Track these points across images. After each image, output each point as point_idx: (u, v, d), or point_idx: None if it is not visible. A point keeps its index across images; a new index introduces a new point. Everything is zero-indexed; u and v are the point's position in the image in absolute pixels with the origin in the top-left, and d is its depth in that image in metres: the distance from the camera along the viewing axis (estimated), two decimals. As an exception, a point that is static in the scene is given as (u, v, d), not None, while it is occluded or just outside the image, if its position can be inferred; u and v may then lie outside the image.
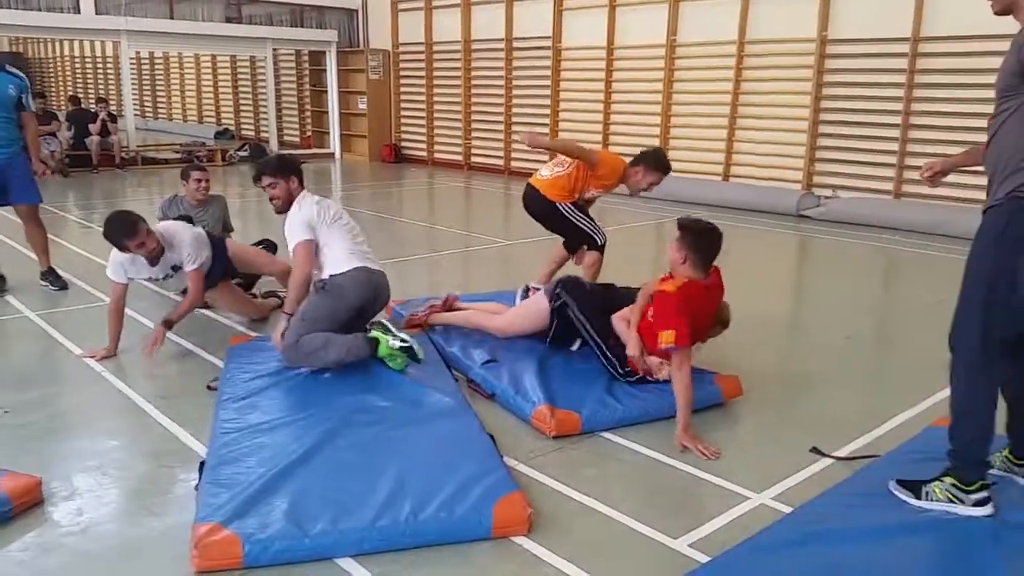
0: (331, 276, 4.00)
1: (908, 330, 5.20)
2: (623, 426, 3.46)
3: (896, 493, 2.76)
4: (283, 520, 2.48)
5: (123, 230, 4.18)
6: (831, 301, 5.85)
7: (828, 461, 3.20)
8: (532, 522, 2.63)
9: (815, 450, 3.28)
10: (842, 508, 2.72)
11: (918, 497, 2.71)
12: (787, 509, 2.79)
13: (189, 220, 5.54)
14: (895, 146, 9.02)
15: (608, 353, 3.84)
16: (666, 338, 3.36)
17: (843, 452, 3.28)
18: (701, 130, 10.81)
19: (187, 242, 4.39)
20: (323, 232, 4.01)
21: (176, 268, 4.40)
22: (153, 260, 4.30)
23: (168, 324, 4.28)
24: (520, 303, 4.55)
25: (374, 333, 3.89)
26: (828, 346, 4.74)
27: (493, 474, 2.80)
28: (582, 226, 5.09)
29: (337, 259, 4.02)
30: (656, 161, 4.93)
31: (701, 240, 3.62)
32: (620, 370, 3.79)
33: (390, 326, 3.94)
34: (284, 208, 4.10)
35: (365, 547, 2.46)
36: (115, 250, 4.23)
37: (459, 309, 4.64)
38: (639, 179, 4.91)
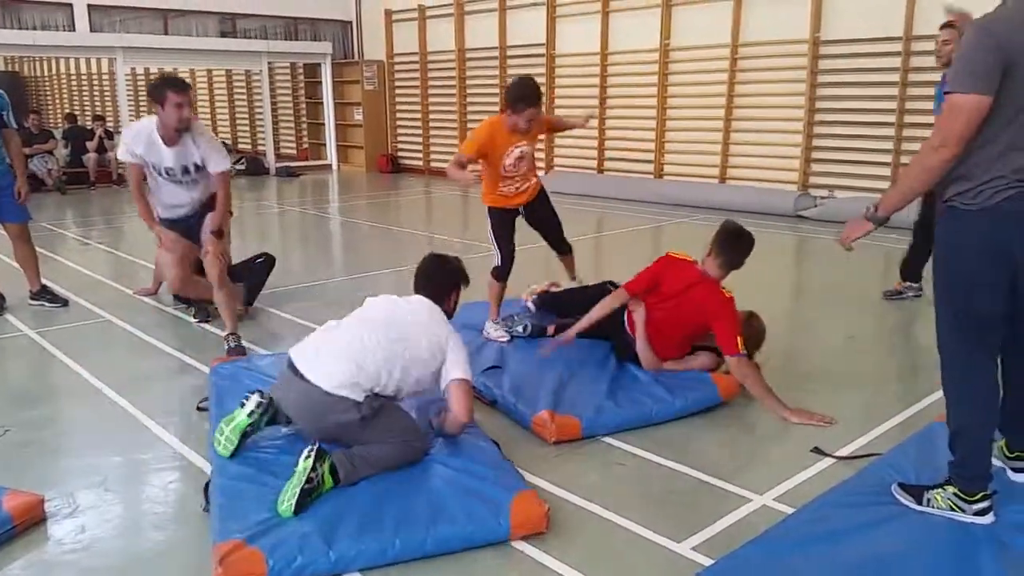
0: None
1: (908, 328, 5.21)
2: (624, 431, 3.46)
3: (899, 497, 2.75)
4: (304, 535, 2.48)
5: (174, 82, 4.36)
6: (831, 300, 5.86)
7: (830, 461, 3.21)
8: (550, 519, 2.65)
9: (816, 450, 3.28)
10: (845, 508, 2.71)
11: (919, 502, 2.70)
12: (790, 510, 2.79)
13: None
14: (890, 144, 9.05)
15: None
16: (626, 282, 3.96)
17: (845, 451, 3.28)
18: (696, 133, 10.84)
19: (218, 144, 4.37)
20: None
21: (188, 171, 4.33)
22: (172, 139, 4.23)
23: (219, 234, 4.63)
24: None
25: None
26: (829, 345, 4.75)
27: (504, 477, 2.82)
28: (491, 239, 4.69)
29: None
30: (514, 94, 4.36)
31: (728, 237, 3.89)
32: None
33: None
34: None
35: (388, 557, 2.47)
36: (126, 130, 4.24)
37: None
38: (515, 120, 4.34)
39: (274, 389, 3.13)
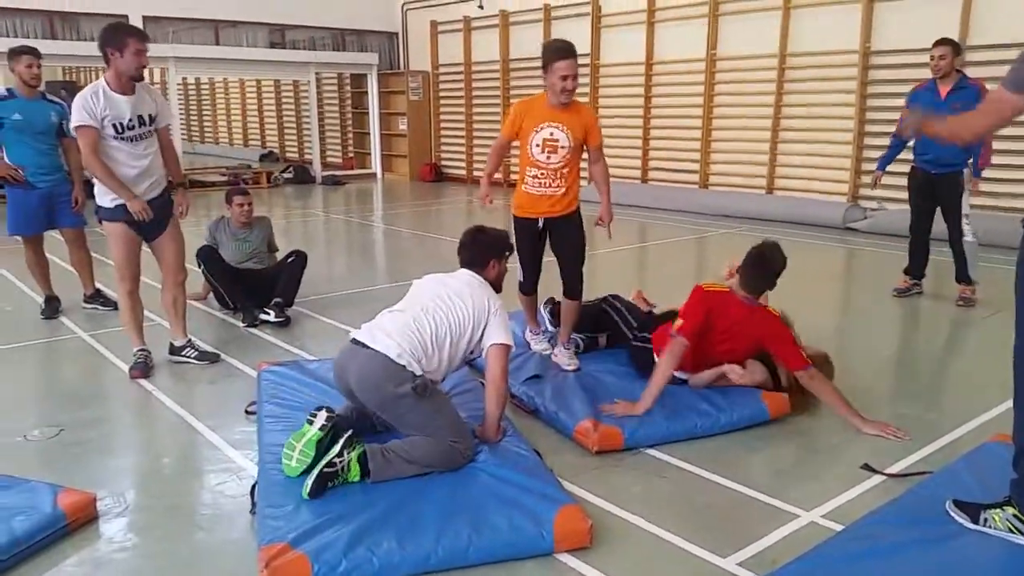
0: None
1: (962, 343, 5.08)
2: (667, 443, 3.42)
3: (953, 515, 2.68)
4: (349, 540, 2.49)
5: (133, 28, 4.35)
6: (881, 314, 5.74)
7: (880, 478, 3.13)
8: (594, 534, 2.62)
9: (866, 466, 3.20)
10: (896, 526, 2.65)
11: (975, 521, 2.62)
12: (838, 527, 2.73)
13: (238, 242, 5.69)
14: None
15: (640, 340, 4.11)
16: (676, 324, 3.68)
17: (895, 468, 3.20)
18: (743, 143, 10.73)
19: (164, 98, 4.35)
20: None
21: (144, 121, 4.21)
22: (127, 88, 4.13)
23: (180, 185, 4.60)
24: None
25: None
26: (880, 360, 4.64)
27: (548, 488, 2.81)
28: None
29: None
30: (549, 51, 4.10)
31: (753, 258, 3.77)
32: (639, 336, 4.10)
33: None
34: None
35: (431, 564, 2.47)
36: (77, 98, 4.09)
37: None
38: (552, 81, 4.04)
39: (336, 366, 3.18)
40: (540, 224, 4.21)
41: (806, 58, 9.95)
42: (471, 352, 3.28)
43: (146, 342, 4.49)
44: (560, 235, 4.24)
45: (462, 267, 3.41)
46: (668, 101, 11.58)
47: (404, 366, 2.97)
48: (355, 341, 3.11)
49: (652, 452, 3.36)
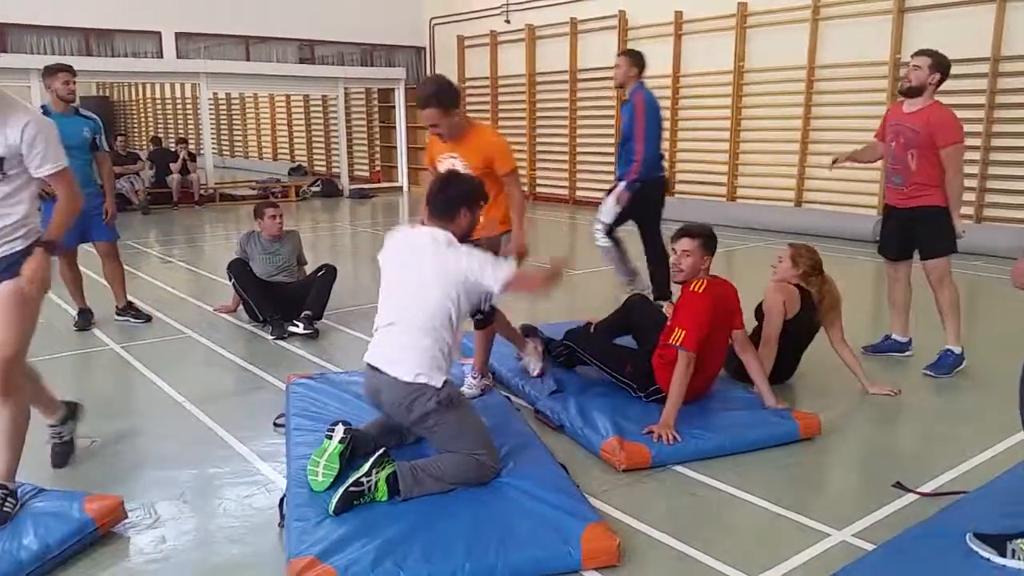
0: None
1: (997, 360, 4.98)
2: (696, 460, 3.39)
3: (975, 549, 2.52)
4: (376, 554, 2.50)
5: None
6: (914, 330, 5.65)
7: (912, 497, 3.08)
8: (621, 552, 2.60)
9: (899, 485, 3.15)
10: (928, 547, 2.59)
11: (1003, 554, 2.47)
12: (870, 546, 2.69)
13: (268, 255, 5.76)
14: (976, 169, 8.72)
15: (625, 379, 3.96)
16: (676, 336, 3.58)
17: (929, 488, 3.15)
18: (771, 155, 10.66)
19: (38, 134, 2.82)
20: None
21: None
22: None
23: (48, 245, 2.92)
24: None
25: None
26: (913, 377, 4.57)
27: (575, 505, 2.80)
28: None
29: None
30: None
31: (715, 242, 3.91)
32: (640, 392, 3.89)
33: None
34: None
35: None
36: None
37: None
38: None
39: (366, 390, 3.18)
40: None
41: (835, 69, 9.88)
42: (480, 305, 3.28)
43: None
44: None
45: (428, 219, 3.18)
46: (695, 113, 11.55)
47: (425, 383, 2.97)
48: (372, 367, 3.10)
49: (680, 469, 3.33)
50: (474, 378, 4.11)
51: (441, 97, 3.78)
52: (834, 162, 5.19)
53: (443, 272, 3.03)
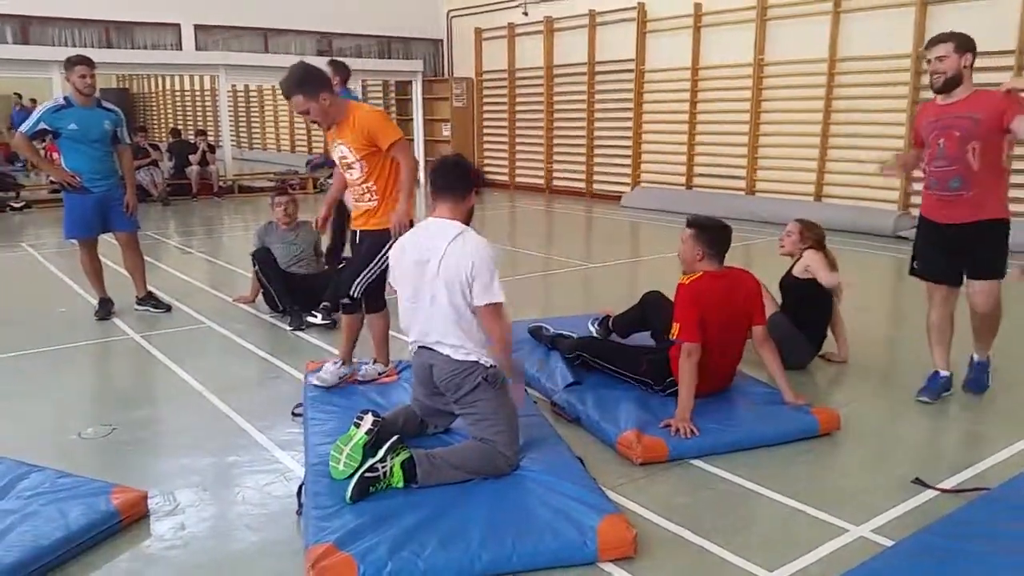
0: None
1: (1020, 358, 4.93)
2: (713, 454, 3.38)
3: None
4: (394, 543, 2.52)
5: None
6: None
7: (932, 493, 3.06)
8: (638, 544, 2.60)
9: (918, 481, 3.13)
10: (947, 544, 2.57)
11: None
12: (888, 542, 2.67)
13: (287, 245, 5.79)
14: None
15: (641, 377, 3.93)
16: (673, 330, 3.62)
17: (949, 484, 3.12)
18: (791, 149, 10.59)
19: None
20: None
21: None
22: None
23: None
24: None
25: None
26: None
27: (592, 497, 2.80)
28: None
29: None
30: None
31: (717, 235, 3.84)
32: (657, 387, 3.87)
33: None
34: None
35: (475, 570, 2.48)
36: None
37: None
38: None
39: (417, 367, 3.25)
40: (358, 237, 4.08)
41: (856, 63, 9.79)
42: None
43: None
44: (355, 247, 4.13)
45: (441, 197, 3.21)
46: (714, 107, 11.47)
47: (476, 360, 3.07)
48: (424, 347, 3.16)
49: (697, 463, 3.32)
50: (334, 364, 4.04)
51: (304, 83, 3.76)
52: (883, 170, 4.46)
53: (450, 276, 3.05)
